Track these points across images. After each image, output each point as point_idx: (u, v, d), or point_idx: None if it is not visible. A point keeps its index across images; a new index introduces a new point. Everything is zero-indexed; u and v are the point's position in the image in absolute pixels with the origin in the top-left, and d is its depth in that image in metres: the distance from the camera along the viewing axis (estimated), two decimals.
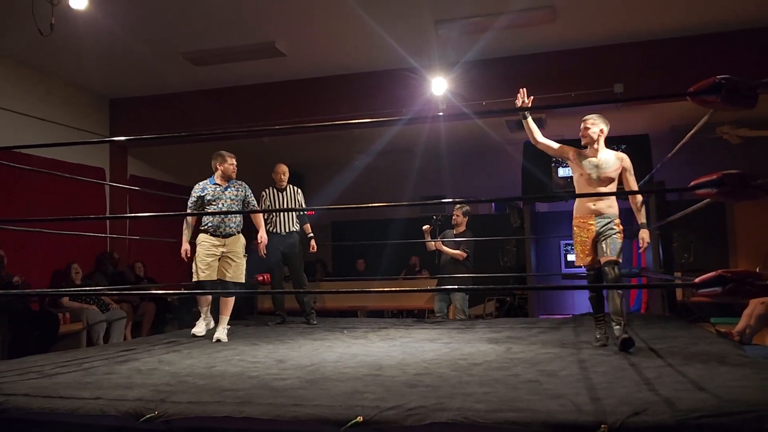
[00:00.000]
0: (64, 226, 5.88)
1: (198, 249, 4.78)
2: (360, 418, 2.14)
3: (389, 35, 5.87)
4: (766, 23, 5.89)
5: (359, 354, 3.73)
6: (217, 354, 3.88)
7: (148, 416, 2.32)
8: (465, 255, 5.89)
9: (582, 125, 3.82)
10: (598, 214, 3.76)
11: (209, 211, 4.73)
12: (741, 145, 8.44)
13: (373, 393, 2.50)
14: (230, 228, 4.79)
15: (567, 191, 8.13)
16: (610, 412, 2.10)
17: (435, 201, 10.16)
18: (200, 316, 4.92)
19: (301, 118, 6.93)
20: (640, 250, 3.81)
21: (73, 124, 7.13)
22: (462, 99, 6.55)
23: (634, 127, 7.98)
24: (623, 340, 3.48)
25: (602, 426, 1.98)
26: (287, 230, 5.66)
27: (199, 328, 4.83)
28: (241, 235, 4.88)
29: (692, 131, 4.27)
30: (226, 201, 4.81)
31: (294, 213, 5.71)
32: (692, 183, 2.14)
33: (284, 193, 5.78)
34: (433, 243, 6.05)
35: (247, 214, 5.00)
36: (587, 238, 3.78)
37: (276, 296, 6.01)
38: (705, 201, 3.90)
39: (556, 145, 3.90)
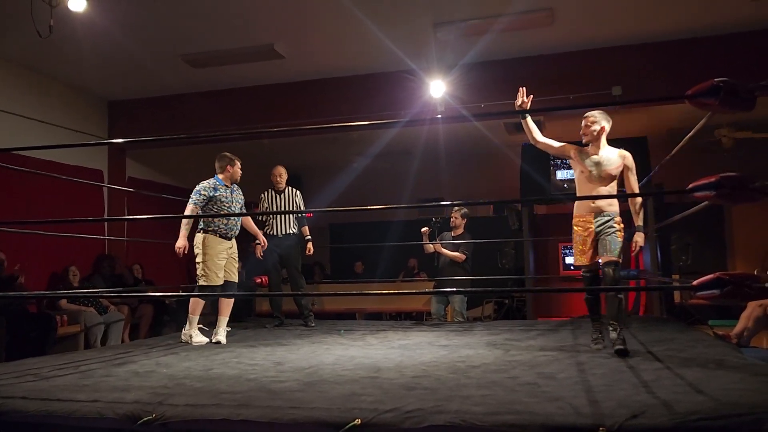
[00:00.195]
0: (63, 228, 5.88)
1: (208, 251, 4.62)
2: (358, 421, 2.13)
3: (388, 38, 5.88)
4: (764, 26, 5.90)
5: (357, 356, 3.73)
6: (215, 356, 3.87)
7: (145, 419, 2.31)
8: (465, 257, 5.90)
9: (583, 122, 3.78)
10: (599, 212, 3.71)
11: (214, 213, 4.69)
12: (738, 148, 8.45)
13: (371, 395, 2.50)
14: (238, 230, 4.85)
15: (565, 194, 8.14)
16: (608, 414, 2.10)
17: (433, 203, 10.18)
18: (192, 323, 4.67)
19: (299, 120, 6.92)
20: (632, 253, 3.74)
21: (72, 126, 7.12)
22: (460, 101, 6.55)
23: (632, 130, 7.98)
24: (617, 351, 3.45)
25: (600, 429, 1.98)
26: (284, 232, 5.66)
27: (201, 337, 4.64)
28: None
29: (690, 134, 4.28)
30: (236, 204, 4.83)
31: (292, 215, 5.70)
32: (690, 185, 2.14)
33: (282, 195, 5.78)
34: (431, 245, 6.05)
35: (247, 216, 4.98)
36: (587, 236, 3.73)
37: (274, 299, 6.00)
38: (703, 203, 3.91)
39: (556, 144, 3.86)
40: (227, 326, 4.83)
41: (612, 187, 3.72)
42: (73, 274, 6.47)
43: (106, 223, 7.56)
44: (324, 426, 2.18)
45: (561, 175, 8.39)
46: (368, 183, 10.26)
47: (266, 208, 5.75)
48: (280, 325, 5.74)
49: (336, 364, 3.42)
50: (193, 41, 6.11)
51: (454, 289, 5.80)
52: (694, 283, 2.04)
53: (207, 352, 4.07)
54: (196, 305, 4.70)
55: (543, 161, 8.35)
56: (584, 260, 3.77)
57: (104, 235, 7.28)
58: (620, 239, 3.67)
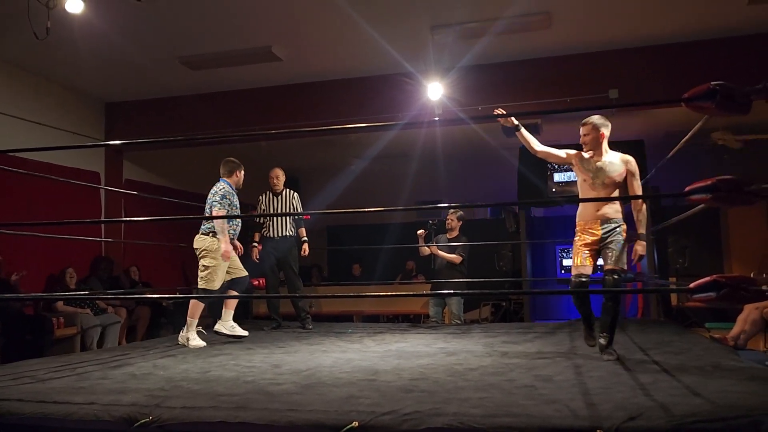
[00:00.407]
0: (59, 230, 5.87)
1: (218, 257, 4.61)
2: (355, 424, 2.13)
3: (385, 40, 5.89)
4: (760, 30, 5.93)
5: (355, 359, 3.72)
6: (213, 359, 3.87)
7: (142, 421, 2.31)
8: (461, 259, 5.90)
9: (581, 130, 3.69)
10: (605, 219, 3.62)
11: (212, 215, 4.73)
12: (734, 150, 8.48)
13: (369, 398, 2.50)
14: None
15: (563, 196, 8.16)
16: (605, 417, 2.10)
17: (431, 206, 10.18)
18: (191, 327, 4.64)
19: (297, 122, 6.92)
20: (633, 262, 3.64)
21: (69, 128, 7.11)
22: (458, 104, 6.56)
23: (629, 133, 8.01)
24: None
25: (597, 431, 1.98)
26: (281, 235, 5.65)
27: (199, 341, 4.62)
28: None
29: (687, 137, 4.30)
30: (239, 208, 4.93)
31: (289, 217, 5.70)
32: (687, 188, 2.15)
33: (279, 197, 5.78)
34: (427, 248, 6.05)
35: (246, 218, 4.99)
36: (591, 243, 3.62)
37: (271, 301, 6.00)
38: (699, 206, 3.92)
39: (556, 152, 3.80)
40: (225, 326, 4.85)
41: (616, 195, 3.63)
42: (70, 276, 6.46)
43: (103, 225, 7.54)
44: (321, 428, 2.18)
45: (558, 177, 8.41)
46: (366, 185, 10.27)
47: (263, 210, 5.74)
48: (278, 328, 5.73)
49: (333, 367, 3.42)
50: (190, 43, 6.11)
51: (451, 291, 5.80)
52: (691, 285, 2.05)
53: (204, 355, 4.07)
54: (197, 308, 4.66)
55: (540, 164, 8.35)
56: (585, 268, 3.62)
57: (101, 237, 7.26)
58: (624, 247, 3.60)
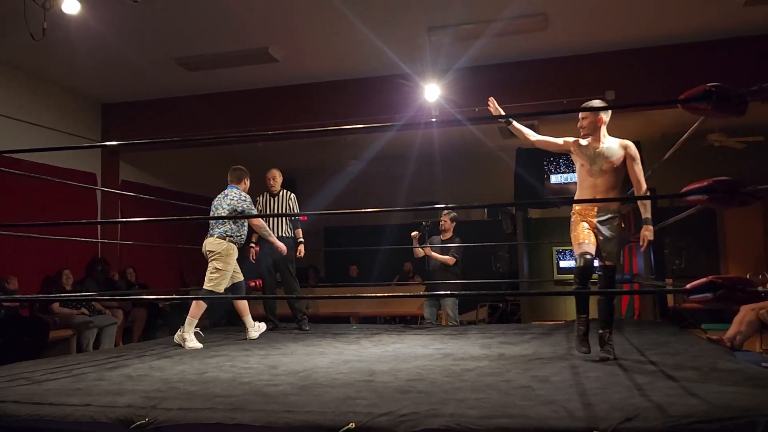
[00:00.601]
0: (55, 231, 5.85)
1: (229, 261, 4.77)
2: (352, 425, 2.13)
3: (382, 42, 5.89)
4: (756, 32, 5.95)
5: (351, 360, 3.72)
6: (209, 360, 3.86)
7: (138, 423, 2.30)
8: (455, 261, 5.89)
9: (580, 114, 3.63)
10: (601, 208, 3.56)
11: (210, 216, 4.75)
12: (729, 152, 8.51)
13: (366, 399, 2.50)
14: None
15: (560, 197, 8.18)
16: (602, 417, 2.10)
17: (428, 207, 10.19)
18: (189, 327, 4.64)
19: (294, 123, 6.92)
20: (643, 249, 3.56)
21: (65, 129, 7.10)
22: (455, 105, 6.57)
23: (625, 134, 7.98)
24: (601, 358, 3.40)
25: None
26: (279, 236, 5.64)
27: (196, 343, 4.57)
28: None
29: (683, 138, 4.30)
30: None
31: (286, 218, 5.69)
32: (683, 190, 2.16)
33: (276, 198, 5.78)
34: (421, 249, 6.05)
35: (243, 219, 5.01)
36: (590, 226, 3.55)
37: (268, 302, 5.99)
38: (696, 207, 3.92)
39: (553, 140, 3.74)
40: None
41: (616, 181, 3.54)
42: (66, 277, 6.44)
43: (99, 227, 7.53)
44: (318, 430, 2.18)
45: (555, 179, 8.43)
46: (363, 186, 10.27)
47: (260, 211, 5.74)
48: (275, 329, 5.72)
49: (330, 368, 3.41)
50: (187, 44, 6.11)
51: (448, 293, 5.79)
52: (688, 286, 2.05)
53: (200, 356, 4.06)
54: (199, 309, 4.68)
55: (537, 165, 8.39)
56: (588, 245, 3.49)
57: (97, 239, 7.24)
58: (619, 240, 3.57)
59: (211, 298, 4.85)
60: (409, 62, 6.40)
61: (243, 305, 5.04)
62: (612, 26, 5.89)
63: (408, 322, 7.30)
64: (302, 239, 5.80)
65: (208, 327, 7.31)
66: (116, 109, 7.80)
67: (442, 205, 6.09)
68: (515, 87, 6.55)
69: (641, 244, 3.51)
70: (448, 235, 6.03)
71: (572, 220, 3.65)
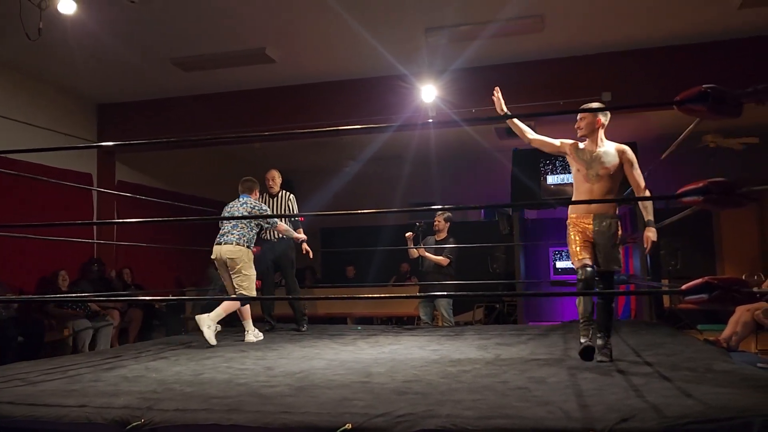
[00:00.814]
0: (51, 232, 5.83)
1: (252, 266, 4.99)
2: (349, 426, 2.13)
3: (379, 42, 5.89)
4: (751, 34, 5.97)
5: (348, 361, 3.72)
6: (205, 361, 3.85)
7: (134, 424, 2.29)
8: (448, 261, 5.88)
9: (578, 115, 3.58)
10: (597, 214, 3.48)
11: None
12: (725, 153, 8.53)
13: (362, 400, 2.50)
14: None
15: (556, 198, 8.19)
16: (598, 418, 2.11)
17: (425, 208, 10.19)
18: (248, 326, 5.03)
19: (291, 124, 6.91)
20: (647, 251, 3.51)
21: (60, 129, 7.07)
22: (451, 106, 6.58)
23: (621, 135, 8.01)
24: (598, 361, 3.36)
25: None
26: (278, 237, 5.64)
27: (259, 334, 5.03)
28: None
29: (679, 139, 4.32)
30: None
31: (286, 219, 5.69)
32: (679, 191, 2.16)
33: (275, 199, 5.78)
34: (415, 250, 6.04)
35: (244, 219, 5.08)
36: (585, 234, 3.49)
37: (265, 303, 5.98)
38: (692, 209, 3.93)
39: (550, 140, 3.68)
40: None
41: (612, 187, 3.48)
42: (62, 278, 6.42)
43: (95, 227, 7.51)
44: (315, 431, 2.18)
45: (551, 179, 8.44)
46: (360, 187, 10.27)
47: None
48: (271, 330, 5.71)
49: (327, 369, 3.41)
50: (183, 44, 6.10)
51: (444, 293, 5.80)
52: (683, 287, 2.05)
53: (197, 357, 4.05)
54: (246, 311, 5.01)
55: (534, 166, 8.41)
56: (587, 259, 3.43)
57: (93, 239, 7.23)
58: (618, 245, 3.53)
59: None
60: (405, 63, 6.40)
61: (245, 308, 5.08)
62: (608, 28, 5.90)
63: (405, 323, 7.30)
64: (304, 238, 5.78)
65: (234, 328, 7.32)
66: (112, 109, 7.78)
67: (439, 206, 6.08)
68: (512, 88, 6.52)
69: (645, 245, 3.47)
70: (443, 235, 6.02)
71: (568, 231, 3.58)
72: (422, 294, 6.05)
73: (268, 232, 5.68)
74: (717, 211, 8.83)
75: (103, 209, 7.67)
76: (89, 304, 6.39)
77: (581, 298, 3.54)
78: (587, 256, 3.45)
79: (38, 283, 6.56)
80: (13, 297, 5.53)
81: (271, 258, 5.66)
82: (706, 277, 2.01)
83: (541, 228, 10.53)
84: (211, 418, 2.31)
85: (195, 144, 7.47)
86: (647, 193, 3.54)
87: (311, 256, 5.72)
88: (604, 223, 3.49)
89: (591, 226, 3.50)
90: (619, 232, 3.55)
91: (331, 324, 6.69)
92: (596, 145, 3.51)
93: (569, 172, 3.70)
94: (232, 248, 4.88)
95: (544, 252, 10.90)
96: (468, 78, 6.53)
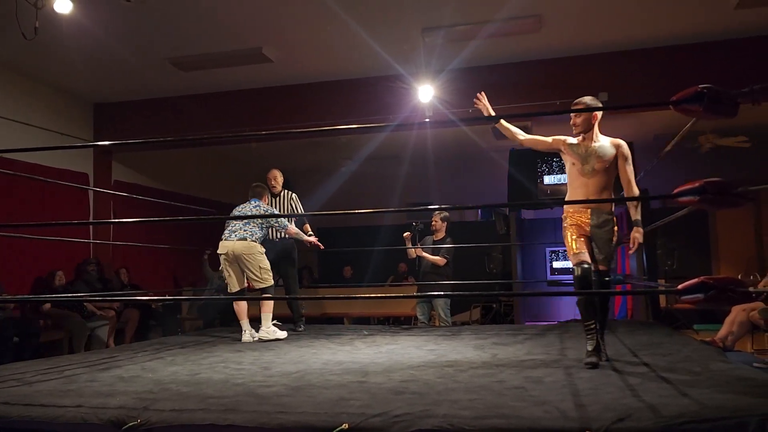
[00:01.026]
0: (47, 231, 5.81)
1: (265, 259, 5.14)
2: (346, 425, 2.13)
3: (376, 42, 5.89)
4: (747, 34, 5.99)
5: (345, 361, 3.72)
6: (202, 361, 3.84)
7: (130, 424, 2.29)
8: (445, 261, 5.89)
9: (572, 114, 3.54)
10: (594, 209, 3.44)
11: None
12: (721, 154, 8.56)
13: (359, 400, 2.49)
14: None
15: (553, 198, 8.20)
16: (594, 418, 2.11)
17: (422, 207, 10.19)
18: (267, 321, 5.06)
19: (288, 123, 6.90)
20: (631, 251, 3.48)
21: (57, 129, 7.05)
22: (448, 106, 6.58)
23: (618, 135, 8.00)
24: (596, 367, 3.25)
25: None
26: (280, 236, 5.63)
27: (280, 332, 5.06)
28: None
29: (675, 140, 4.33)
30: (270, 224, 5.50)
31: (289, 218, 5.67)
32: (675, 191, 2.17)
33: (278, 198, 5.78)
34: (413, 250, 6.05)
35: (245, 219, 5.17)
36: (581, 229, 3.44)
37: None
38: (688, 208, 3.94)
39: (542, 138, 3.65)
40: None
41: (608, 182, 3.44)
42: (59, 278, 6.40)
43: (91, 227, 7.49)
44: (312, 430, 2.17)
45: (548, 179, 8.45)
46: (357, 187, 10.27)
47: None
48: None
49: (324, 369, 3.41)
50: (180, 44, 6.08)
51: (441, 293, 5.80)
52: (679, 287, 2.06)
53: (193, 357, 4.04)
54: (269, 306, 5.12)
55: (530, 166, 8.42)
56: (583, 254, 3.37)
57: (90, 239, 7.21)
58: (614, 243, 3.48)
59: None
60: (403, 63, 6.40)
61: (241, 308, 5.13)
62: (605, 28, 5.91)
63: (402, 323, 7.30)
64: (311, 233, 5.78)
65: (201, 328, 7.30)
66: (108, 108, 7.76)
67: (436, 206, 6.08)
68: (509, 88, 6.56)
69: (631, 245, 3.42)
70: (440, 235, 6.03)
71: (564, 225, 3.53)
72: (419, 294, 6.05)
73: (269, 231, 5.67)
74: (713, 210, 8.85)
75: (100, 209, 7.65)
76: (85, 304, 6.37)
77: (582, 303, 3.45)
78: (583, 251, 3.40)
79: (34, 283, 6.54)
80: (9, 297, 5.50)
81: (273, 257, 5.65)
82: (702, 277, 2.01)
83: (537, 228, 10.54)
84: (207, 418, 2.30)
85: (192, 144, 7.45)
86: (636, 191, 3.49)
87: (322, 247, 5.73)
88: (602, 219, 3.44)
89: (588, 221, 3.45)
90: (615, 229, 3.51)
91: (329, 324, 6.69)
92: (592, 139, 3.48)
93: (566, 172, 3.64)
94: (246, 244, 5.04)
95: (541, 252, 10.91)
96: (465, 78, 6.53)
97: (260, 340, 4.92)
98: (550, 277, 10.75)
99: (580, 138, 3.51)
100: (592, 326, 3.40)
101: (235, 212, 5.37)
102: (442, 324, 5.94)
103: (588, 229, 3.46)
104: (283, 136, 7.40)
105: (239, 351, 4.31)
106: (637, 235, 3.38)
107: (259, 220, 5.18)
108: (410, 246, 6.05)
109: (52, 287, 6.35)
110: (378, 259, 9.40)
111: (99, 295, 6.33)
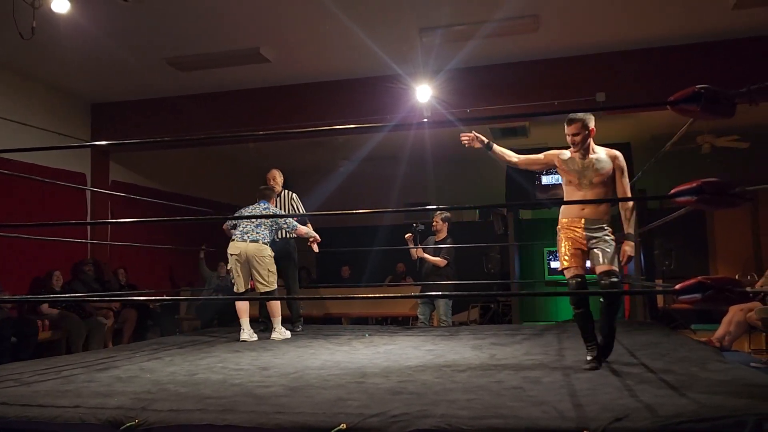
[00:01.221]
0: (45, 232, 5.80)
1: (272, 261, 5.24)
2: (344, 426, 2.13)
3: (374, 42, 5.89)
4: (744, 34, 6.00)
5: (343, 361, 3.72)
6: (200, 361, 3.84)
7: (128, 424, 2.29)
8: (446, 262, 5.88)
9: (568, 129, 3.43)
10: (589, 220, 3.38)
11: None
12: (719, 154, 8.57)
13: (357, 400, 2.50)
14: None
15: (551, 198, 8.21)
16: (592, 418, 2.11)
17: (419, 208, 10.19)
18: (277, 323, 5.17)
19: (285, 124, 6.90)
20: (622, 264, 3.38)
21: (54, 129, 7.04)
22: (446, 106, 6.58)
23: (615, 136, 8.07)
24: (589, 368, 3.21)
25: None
26: (280, 237, 5.62)
27: (287, 333, 5.19)
28: None
29: (672, 140, 4.33)
30: (277, 224, 5.56)
31: (287, 219, 5.67)
32: (672, 191, 2.17)
33: (278, 198, 5.78)
34: (415, 251, 6.04)
35: (246, 219, 5.22)
36: (576, 242, 3.39)
37: (261, 302, 5.96)
38: (685, 209, 3.95)
39: (535, 157, 3.63)
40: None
41: (606, 194, 3.40)
42: (56, 278, 6.39)
43: (89, 227, 7.47)
44: (310, 431, 2.17)
45: (546, 180, 8.46)
46: (355, 187, 10.26)
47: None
48: (266, 330, 5.70)
49: (322, 369, 3.41)
50: (178, 44, 6.08)
51: (440, 293, 5.80)
52: (677, 287, 2.06)
53: (191, 357, 4.04)
54: (277, 308, 5.22)
55: None
56: (578, 268, 3.35)
57: (87, 239, 7.20)
58: (614, 246, 3.39)
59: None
60: (400, 63, 6.40)
61: (243, 307, 5.18)
62: (603, 28, 5.92)
63: (400, 323, 7.31)
64: (313, 232, 5.77)
65: (199, 328, 7.29)
66: (106, 108, 7.75)
67: (434, 206, 6.08)
68: (506, 88, 6.57)
69: (621, 258, 3.34)
70: (442, 235, 6.03)
71: (558, 237, 3.49)
72: (417, 294, 6.05)
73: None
74: (710, 211, 8.87)
75: (98, 209, 7.63)
76: (83, 304, 6.36)
77: (580, 318, 3.39)
78: (576, 265, 3.37)
79: (32, 284, 6.53)
80: (7, 297, 5.49)
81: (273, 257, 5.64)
82: (699, 277, 2.02)
83: (535, 228, 10.54)
84: (205, 418, 2.30)
85: (189, 144, 7.44)
86: (630, 204, 3.43)
87: (317, 250, 5.79)
88: (598, 227, 3.37)
89: (582, 232, 3.39)
90: (613, 237, 3.43)
91: (327, 324, 6.69)
92: (587, 152, 3.42)
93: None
94: (258, 246, 5.14)
95: (539, 252, 10.91)
96: (463, 78, 6.54)
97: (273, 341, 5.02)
98: (548, 277, 10.75)
99: (573, 150, 3.45)
100: (593, 343, 3.34)
101: (245, 213, 5.42)
102: (442, 324, 5.94)
103: (584, 242, 3.40)
104: (280, 136, 7.39)
105: (237, 351, 4.31)
106: (627, 248, 3.34)
107: (268, 223, 5.23)
108: (412, 246, 6.05)
109: (49, 287, 6.33)
110: (376, 259, 9.40)
111: (97, 295, 6.32)
